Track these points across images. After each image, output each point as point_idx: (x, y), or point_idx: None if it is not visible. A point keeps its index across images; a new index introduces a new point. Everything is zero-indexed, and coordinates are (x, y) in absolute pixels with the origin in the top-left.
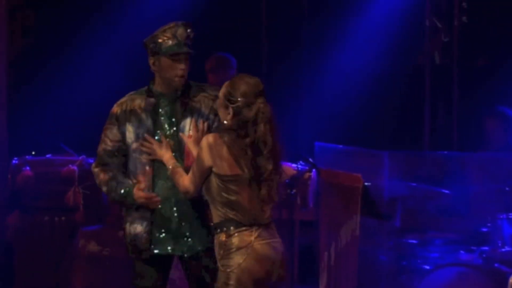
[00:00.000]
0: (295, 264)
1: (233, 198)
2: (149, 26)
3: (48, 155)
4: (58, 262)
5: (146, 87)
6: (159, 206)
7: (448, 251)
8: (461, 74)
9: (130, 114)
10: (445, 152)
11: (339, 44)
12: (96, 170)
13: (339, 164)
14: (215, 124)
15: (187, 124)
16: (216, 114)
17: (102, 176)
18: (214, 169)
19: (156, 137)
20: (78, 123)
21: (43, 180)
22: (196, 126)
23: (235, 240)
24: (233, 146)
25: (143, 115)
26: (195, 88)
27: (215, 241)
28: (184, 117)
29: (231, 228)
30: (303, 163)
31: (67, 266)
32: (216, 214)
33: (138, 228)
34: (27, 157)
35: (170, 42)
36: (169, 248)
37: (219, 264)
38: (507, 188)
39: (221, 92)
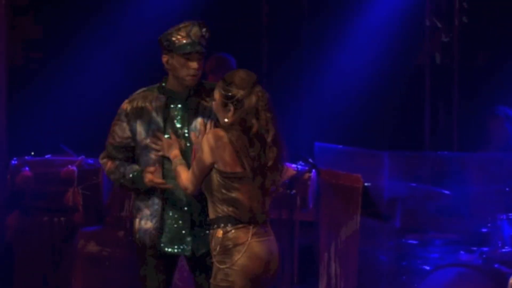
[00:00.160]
0: (295, 264)
1: (233, 195)
2: (149, 26)
3: (47, 156)
4: (58, 262)
5: (158, 84)
6: (169, 210)
7: (448, 252)
8: (461, 74)
9: (141, 112)
10: (445, 152)
11: (339, 44)
12: (103, 160)
13: (339, 164)
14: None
15: (198, 123)
16: None
17: (109, 165)
18: (216, 166)
19: (167, 135)
20: (77, 123)
21: (42, 180)
22: (205, 125)
23: (232, 236)
24: (237, 142)
25: (154, 113)
26: (207, 88)
27: (210, 236)
28: (195, 116)
29: (229, 224)
30: (303, 164)
31: (67, 267)
32: (213, 209)
33: (147, 224)
34: (26, 157)
35: (184, 41)
36: (176, 247)
37: (214, 260)
38: (507, 189)
39: (217, 94)
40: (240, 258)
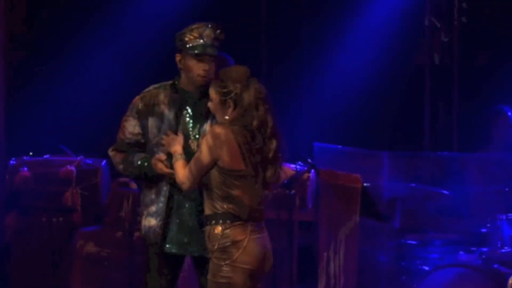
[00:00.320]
0: (294, 264)
1: (233, 192)
2: (149, 26)
3: (46, 156)
4: (56, 262)
5: (170, 82)
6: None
7: (448, 252)
8: (461, 74)
9: (152, 108)
10: (445, 152)
11: (339, 44)
12: (112, 153)
13: (339, 164)
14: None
15: (208, 125)
16: None
17: (118, 156)
18: (219, 162)
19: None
20: (76, 123)
21: (41, 180)
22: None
23: (231, 233)
24: (240, 137)
25: (167, 111)
26: None
27: (207, 232)
28: (206, 117)
29: (227, 221)
30: (302, 164)
31: (65, 267)
32: (211, 206)
33: (152, 221)
34: (25, 157)
35: (196, 42)
36: (183, 247)
37: (211, 256)
38: (506, 189)
39: (213, 94)
40: (239, 255)
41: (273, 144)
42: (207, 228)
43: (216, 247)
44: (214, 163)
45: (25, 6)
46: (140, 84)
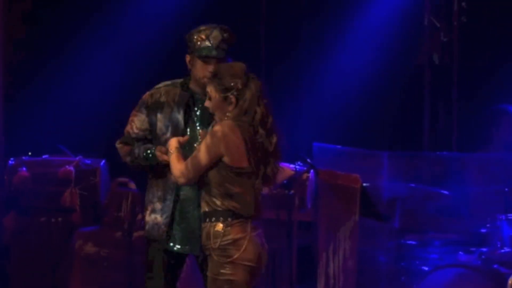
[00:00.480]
0: (293, 264)
1: (237, 190)
2: (149, 26)
3: (44, 156)
4: (55, 263)
5: (181, 80)
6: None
7: (447, 252)
8: (461, 74)
9: (161, 106)
10: (445, 152)
11: (339, 44)
12: (119, 145)
13: (338, 164)
14: None
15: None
16: None
17: (125, 148)
18: (225, 159)
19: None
20: (75, 123)
21: (39, 181)
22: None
23: (232, 231)
24: (246, 133)
25: (176, 109)
26: None
27: (207, 229)
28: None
29: (229, 219)
30: (301, 164)
31: (64, 267)
32: (211, 203)
33: (157, 218)
34: (23, 157)
35: (203, 43)
36: (185, 246)
37: (212, 253)
38: (506, 189)
39: (212, 92)
40: (242, 252)
41: (274, 138)
42: (206, 225)
43: (218, 245)
44: (215, 161)
45: (25, 6)
46: (141, 84)
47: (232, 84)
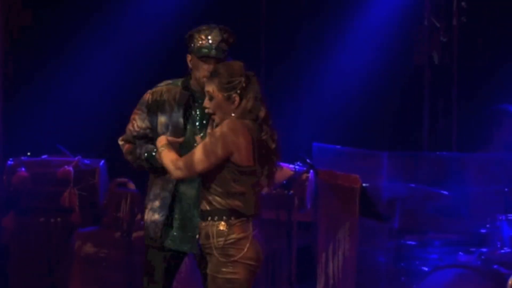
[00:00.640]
0: (293, 265)
1: (242, 189)
2: (149, 26)
3: (43, 156)
4: (54, 263)
5: (182, 79)
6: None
7: (447, 253)
8: (461, 74)
9: (162, 105)
10: (445, 152)
11: (339, 44)
12: (121, 142)
13: (338, 165)
14: None
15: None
16: None
17: (127, 147)
18: (234, 158)
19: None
20: (74, 123)
21: (38, 181)
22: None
23: (236, 230)
24: (253, 132)
25: (176, 109)
26: None
27: (208, 228)
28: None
29: (232, 218)
30: (300, 164)
31: (63, 268)
32: (214, 202)
33: (155, 216)
34: (22, 158)
35: (202, 43)
36: (184, 245)
37: (214, 253)
38: (506, 189)
39: (215, 92)
40: (246, 251)
41: (275, 135)
42: (208, 224)
43: (222, 244)
44: (224, 159)
45: (25, 5)
46: (140, 84)
47: (235, 82)
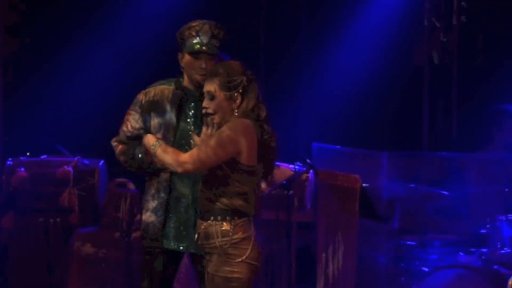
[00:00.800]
0: (292, 265)
1: (246, 189)
2: (149, 26)
3: (43, 156)
4: (53, 263)
5: (175, 79)
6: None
7: (447, 253)
8: (460, 74)
9: (155, 105)
10: (444, 153)
11: (338, 44)
12: (115, 143)
13: (338, 165)
14: None
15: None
16: None
17: (120, 147)
18: (240, 157)
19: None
20: (73, 124)
21: (38, 181)
22: (208, 126)
23: (239, 230)
24: (258, 132)
25: (169, 108)
26: None
27: (209, 228)
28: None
29: (235, 218)
30: (300, 164)
31: (63, 268)
32: (217, 201)
33: (152, 217)
34: (21, 158)
35: (192, 39)
36: (180, 244)
37: (215, 252)
38: (506, 190)
39: (217, 91)
40: (249, 251)
41: (275, 135)
42: (209, 223)
43: (226, 243)
44: (230, 157)
45: (24, 5)
46: (139, 84)
47: (237, 81)
